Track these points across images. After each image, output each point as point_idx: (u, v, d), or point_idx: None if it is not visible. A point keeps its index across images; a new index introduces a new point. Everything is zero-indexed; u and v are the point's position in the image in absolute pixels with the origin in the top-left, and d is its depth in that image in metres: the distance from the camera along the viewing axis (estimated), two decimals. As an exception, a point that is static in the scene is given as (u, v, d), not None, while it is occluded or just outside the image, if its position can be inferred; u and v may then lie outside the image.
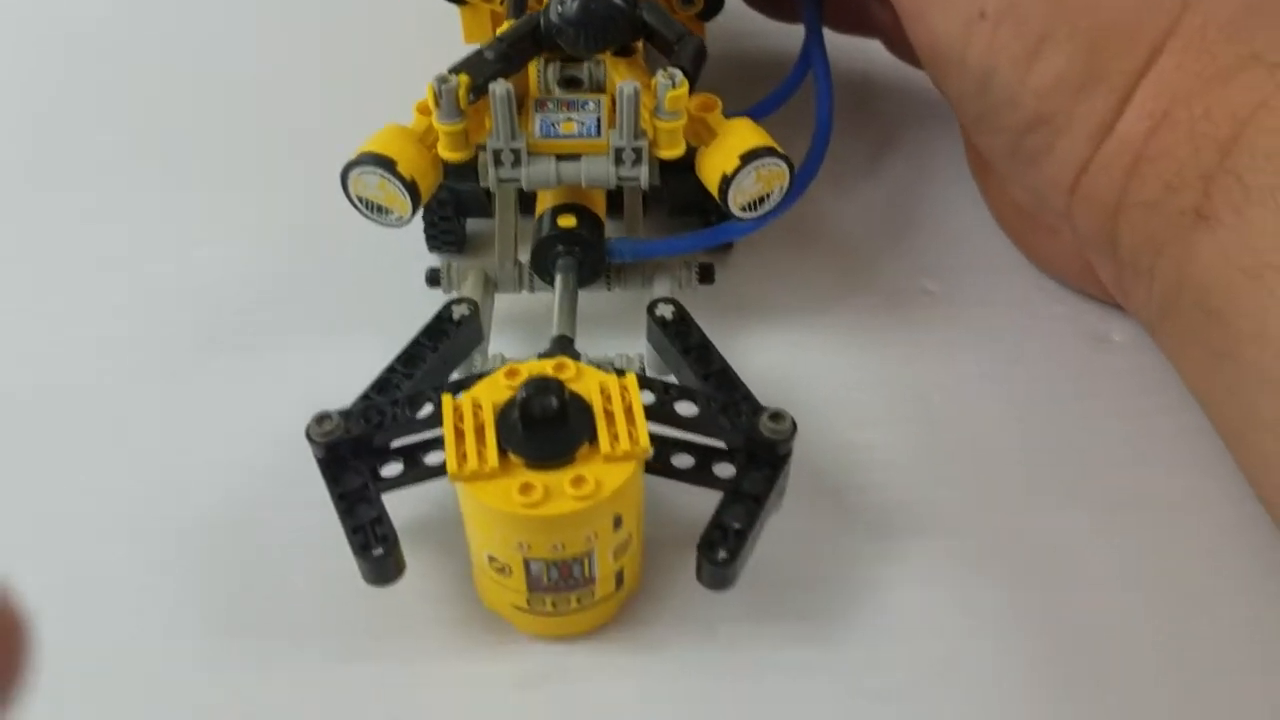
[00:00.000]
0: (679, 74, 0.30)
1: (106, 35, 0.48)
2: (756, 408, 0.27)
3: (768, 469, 0.27)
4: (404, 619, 0.28)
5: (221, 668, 0.27)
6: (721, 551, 0.26)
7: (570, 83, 0.34)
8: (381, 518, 0.26)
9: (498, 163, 0.31)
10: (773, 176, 0.31)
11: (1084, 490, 0.31)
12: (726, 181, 0.30)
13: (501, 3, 0.36)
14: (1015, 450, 0.32)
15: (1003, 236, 0.38)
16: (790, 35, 0.39)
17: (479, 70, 0.30)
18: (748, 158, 0.30)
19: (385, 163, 0.30)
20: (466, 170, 0.32)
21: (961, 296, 0.37)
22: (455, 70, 0.30)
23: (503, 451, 0.24)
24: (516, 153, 0.31)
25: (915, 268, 0.38)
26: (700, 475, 0.28)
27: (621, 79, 0.33)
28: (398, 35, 0.47)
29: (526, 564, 0.25)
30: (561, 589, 0.26)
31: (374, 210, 0.31)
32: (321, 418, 0.27)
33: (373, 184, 0.30)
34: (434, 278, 0.34)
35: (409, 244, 0.37)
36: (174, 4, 0.49)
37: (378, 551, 0.25)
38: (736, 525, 0.26)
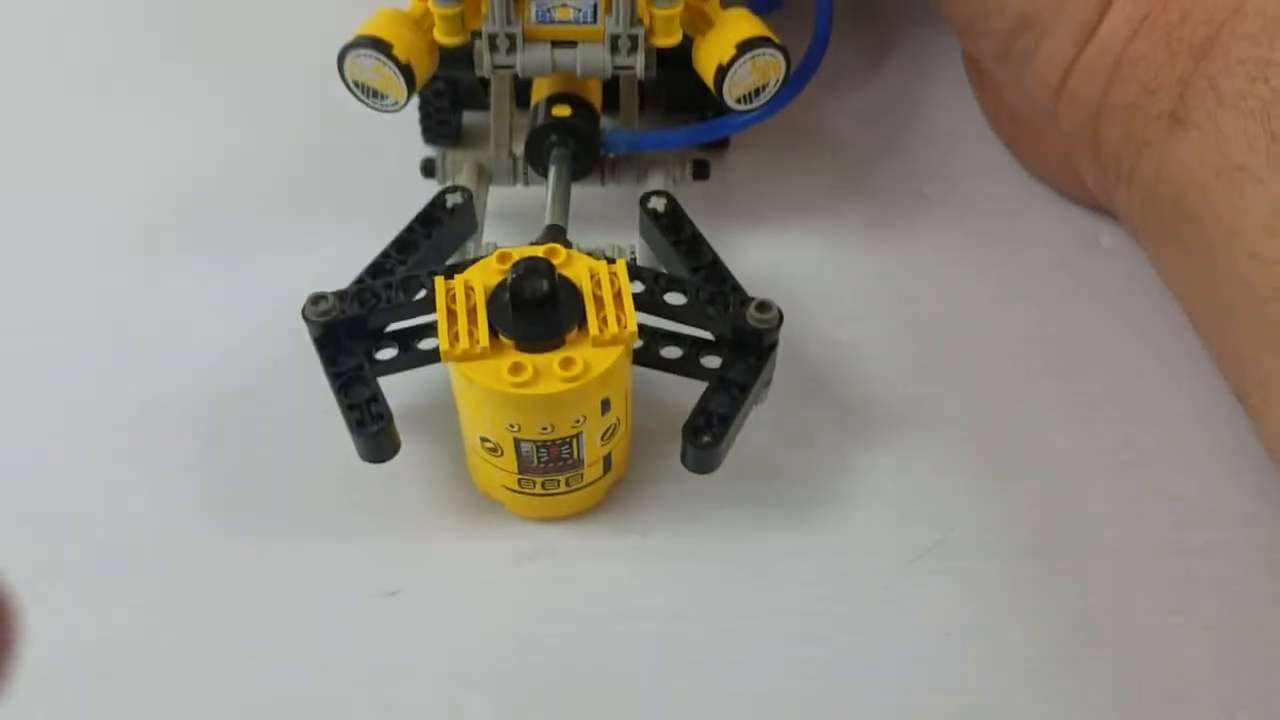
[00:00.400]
0: (677, -40, 0.29)
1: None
2: (744, 298, 0.28)
3: (753, 358, 0.27)
4: (399, 499, 0.29)
5: (221, 545, 0.28)
6: (705, 436, 0.26)
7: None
8: (376, 396, 0.26)
9: (493, 48, 0.31)
10: (769, 67, 0.31)
11: (1069, 385, 0.32)
12: (722, 71, 0.30)
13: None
14: (1001, 346, 0.33)
15: (997, 142, 0.38)
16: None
17: (475, -48, 0.30)
18: (744, 47, 0.30)
19: (381, 46, 0.30)
20: (463, 59, 0.32)
21: (954, 200, 0.37)
22: (451, -48, 0.30)
23: (494, 333, 0.25)
24: (512, 38, 0.31)
25: (910, 171, 0.37)
26: (688, 366, 0.29)
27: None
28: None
29: (517, 444, 0.25)
30: (551, 470, 0.26)
31: (370, 95, 0.31)
32: (317, 298, 0.27)
33: (369, 68, 0.30)
34: (429, 168, 0.34)
35: (405, 134, 0.37)
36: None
37: (373, 429, 0.26)
38: (721, 411, 0.26)
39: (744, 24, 0.31)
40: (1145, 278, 0.33)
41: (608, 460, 0.27)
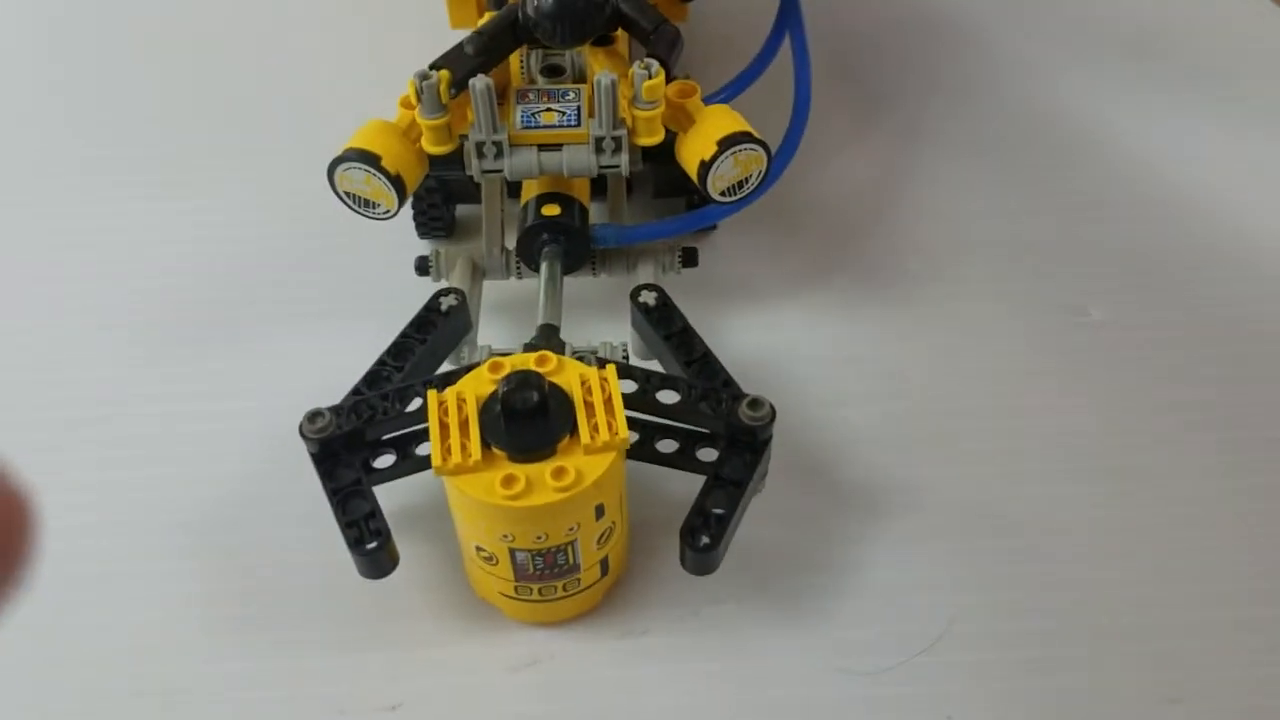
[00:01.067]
0: (655, 64, 0.30)
1: (101, 22, 0.48)
2: (737, 394, 0.28)
3: (748, 454, 0.28)
4: (398, 606, 0.29)
5: (222, 658, 0.28)
6: (704, 537, 0.26)
7: (553, 71, 0.34)
8: (375, 513, 0.26)
9: (480, 155, 0.31)
10: (750, 161, 0.31)
11: (1060, 462, 0.32)
12: (705, 168, 0.31)
13: (484, -11, 0.36)
14: (993, 425, 0.33)
15: (984, 216, 0.38)
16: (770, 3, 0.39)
17: (459, 65, 0.31)
18: (725, 144, 0.31)
19: (370, 158, 0.30)
20: (453, 158, 0.33)
21: (941, 274, 0.37)
22: (435, 66, 0.30)
23: (486, 445, 0.25)
24: (499, 145, 0.31)
25: (896, 246, 0.38)
26: (684, 460, 0.29)
27: (600, 68, 0.33)
28: (384, 22, 0.47)
29: (512, 554, 0.26)
30: (547, 577, 0.27)
31: (361, 204, 0.31)
32: (314, 415, 0.27)
33: (359, 179, 0.31)
34: (423, 266, 0.35)
35: (399, 231, 0.38)
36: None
37: (371, 545, 0.26)
38: (718, 511, 0.27)
39: (725, 120, 0.31)
40: (1136, 351, 0.34)
41: (605, 563, 0.28)
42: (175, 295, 0.37)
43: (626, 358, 0.33)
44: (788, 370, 0.34)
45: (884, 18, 0.45)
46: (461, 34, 0.32)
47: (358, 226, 0.34)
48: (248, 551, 0.30)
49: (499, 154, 0.32)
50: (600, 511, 0.26)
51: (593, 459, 0.25)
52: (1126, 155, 0.40)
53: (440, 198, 0.37)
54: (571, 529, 0.25)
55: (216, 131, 0.43)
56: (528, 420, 0.25)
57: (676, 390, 0.28)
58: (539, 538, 0.25)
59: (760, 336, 0.35)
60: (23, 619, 0.28)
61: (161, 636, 0.29)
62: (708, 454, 0.29)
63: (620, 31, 0.33)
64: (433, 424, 0.25)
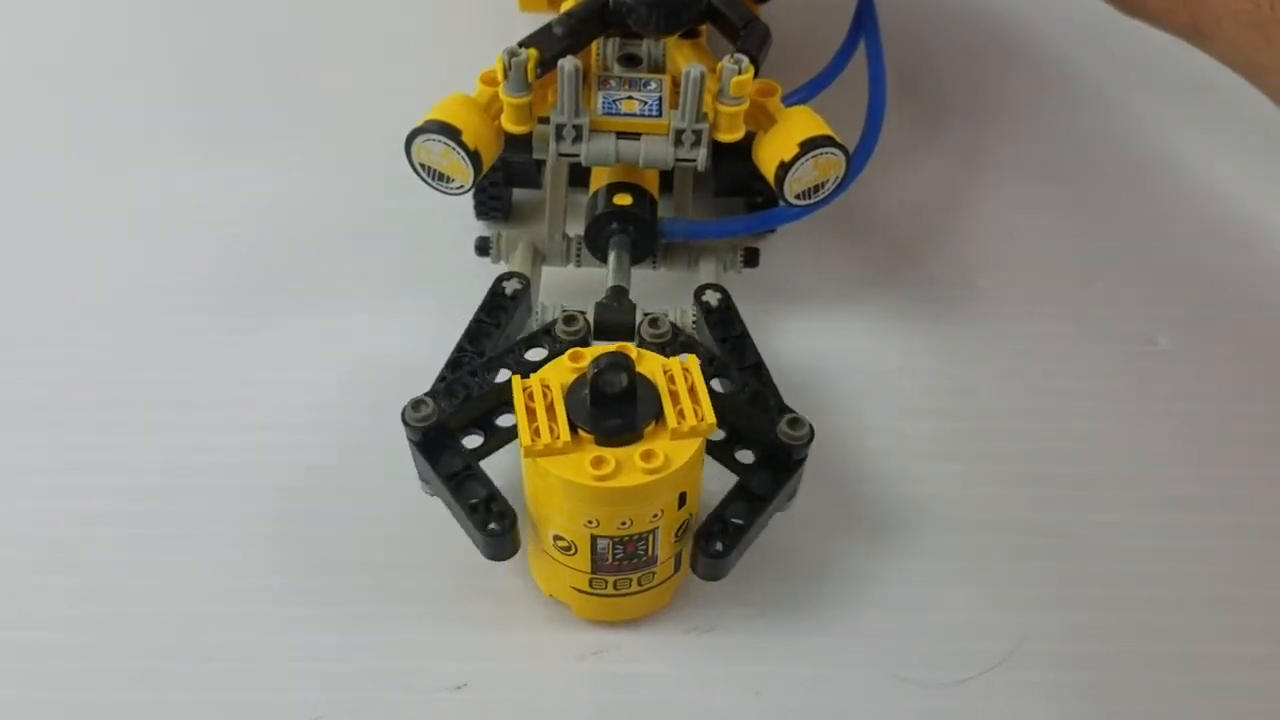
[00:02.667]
0: (745, 59, 0.30)
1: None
2: (781, 407, 0.28)
3: (782, 471, 0.27)
4: (467, 588, 0.29)
5: (289, 629, 0.28)
6: (717, 544, 0.26)
7: (629, 60, 0.34)
8: (494, 495, 0.26)
9: (559, 137, 0.31)
10: (829, 165, 0.31)
11: (1130, 489, 0.32)
12: (784, 168, 0.31)
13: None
14: (1060, 448, 0.33)
15: (1051, 234, 0.38)
16: (839, 8, 0.39)
17: (547, 45, 0.30)
18: (807, 146, 0.31)
19: (451, 131, 0.30)
20: (517, 141, 0.32)
21: (1007, 294, 0.37)
22: (524, 44, 0.30)
23: (573, 429, 0.25)
24: (579, 128, 0.31)
25: (961, 262, 0.38)
26: (723, 454, 0.28)
27: (685, 60, 0.33)
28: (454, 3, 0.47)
29: (594, 541, 0.25)
30: (625, 569, 0.26)
31: (436, 178, 0.31)
32: (417, 404, 0.27)
33: (437, 152, 0.30)
34: (484, 247, 0.35)
35: (455, 211, 0.37)
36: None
37: (497, 529, 0.26)
38: (737, 520, 0.27)
39: (807, 122, 0.31)
40: (1203, 379, 0.34)
41: (678, 559, 0.27)
42: (227, 270, 0.37)
43: (695, 324, 0.32)
44: (847, 377, 0.34)
45: (953, 40, 0.45)
46: (529, 17, 0.31)
47: (414, 205, 0.34)
48: (321, 523, 0.30)
49: (577, 138, 0.31)
50: (682, 500, 0.26)
51: (679, 444, 0.25)
52: (1195, 185, 0.40)
53: (501, 179, 0.37)
54: (655, 515, 0.25)
55: (278, 104, 0.43)
56: (617, 403, 0.25)
57: (730, 381, 0.28)
58: (623, 523, 0.25)
59: (817, 341, 0.35)
60: (88, 580, 0.28)
61: (229, 604, 0.28)
62: (745, 455, 0.28)
63: (704, 26, 0.33)
64: (519, 408, 0.25)
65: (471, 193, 0.37)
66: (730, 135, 0.31)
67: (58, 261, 0.37)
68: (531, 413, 0.25)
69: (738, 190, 0.38)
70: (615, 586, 0.27)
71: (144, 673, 0.27)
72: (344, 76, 0.44)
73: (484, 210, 0.38)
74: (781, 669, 0.28)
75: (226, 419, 0.32)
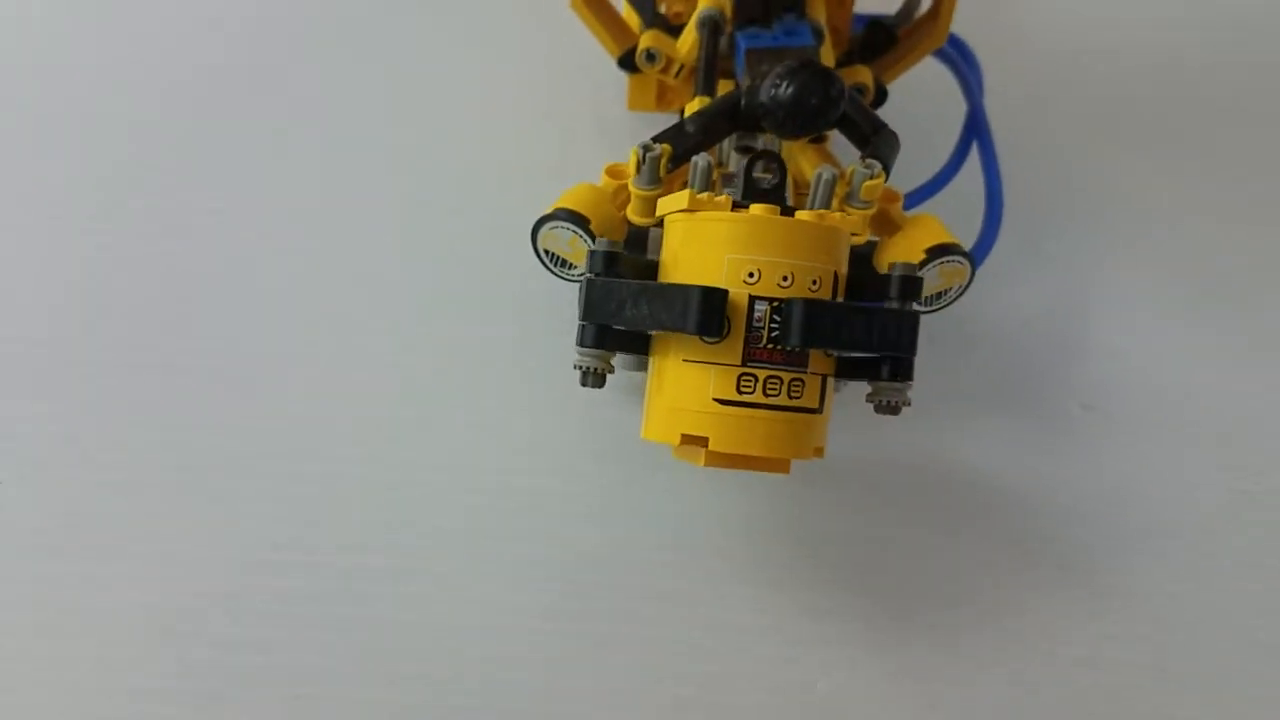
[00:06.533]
0: (878, 164, 0.30)
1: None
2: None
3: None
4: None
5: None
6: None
7: (745, 151, 0.34)
8: None
9: (686, 232, 0.31)
10: (954, 274, 0.31)
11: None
12: (910, 275, 0.30)
13: (675, 75, 0.37)
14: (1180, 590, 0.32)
15: (1165, 360, 0.37)
16: (942, 119, 0.39)
17: (680, 141, 0.30)
18: (934, 253, 0.30)
19: (580, 221, 0.30)
20: (633, 237, 0.32)
21: (1120, 417, 0.36)
22: (658, 139, 0.30)
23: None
24: (706, 224, 0.31)
25: (1070, 383, 0.37)
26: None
27: (807, 160, 0.33)
28: (555, 99, 0.44)
29: (751, 305, 0.26)
30: (778, 362, 0.26)
31: (558, 264, 0.31)
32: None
33: (564, 240, 0.30)
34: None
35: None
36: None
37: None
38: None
39: (934, 229, 0.31)
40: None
41: (823, 395, 0.27)
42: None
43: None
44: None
45: (1062, 142, 0.44)
46: (632, 115, 0.31)
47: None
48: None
49: (703, 233, 0.31)
50: (835, 285, 0.27)
51: (841, 217, 0.27)
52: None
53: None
54: (814, 284, 0.26)
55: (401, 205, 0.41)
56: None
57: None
58: (785, 278, 0.26)
59: (924, 452, 0.34)
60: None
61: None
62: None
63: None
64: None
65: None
66: (856, 239, 0.31)
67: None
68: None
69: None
70: (765, 390, 0.26)
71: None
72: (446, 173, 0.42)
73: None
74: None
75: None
